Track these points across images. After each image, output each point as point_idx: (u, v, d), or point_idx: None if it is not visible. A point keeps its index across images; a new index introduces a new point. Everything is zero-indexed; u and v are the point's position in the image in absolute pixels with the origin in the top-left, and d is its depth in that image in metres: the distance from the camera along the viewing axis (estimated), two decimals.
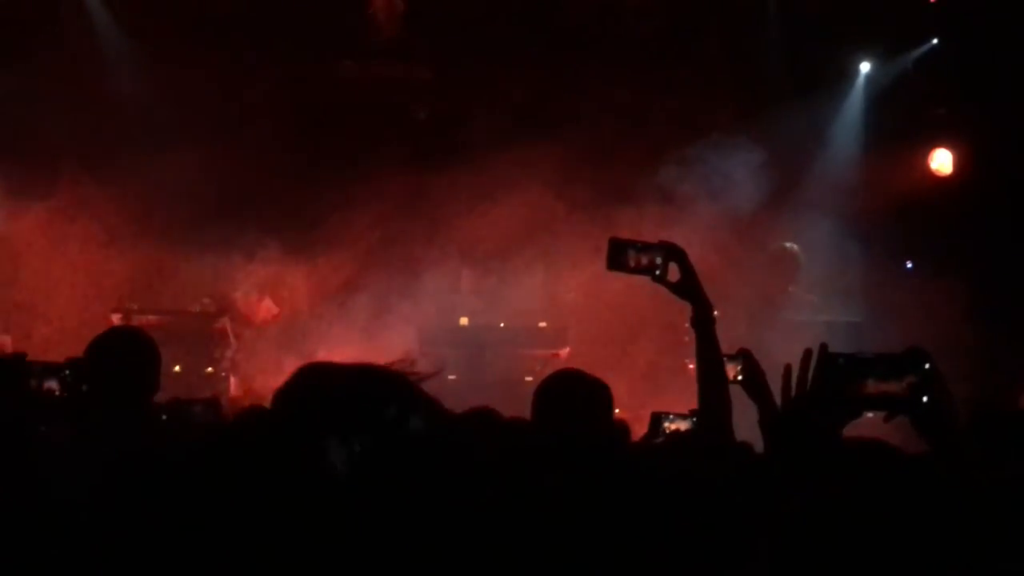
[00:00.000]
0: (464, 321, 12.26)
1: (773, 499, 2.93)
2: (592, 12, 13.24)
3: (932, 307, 11.52)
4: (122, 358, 4.97)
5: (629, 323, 11.70)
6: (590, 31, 13.17)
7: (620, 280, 5.96)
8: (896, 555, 2.57)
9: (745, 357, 5.08)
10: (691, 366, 5.33)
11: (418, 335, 11.49)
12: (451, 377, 10.81)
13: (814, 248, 12.46)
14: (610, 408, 4.83)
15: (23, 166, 11.77)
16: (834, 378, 3.04)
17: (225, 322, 11.84)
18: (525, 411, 4.80)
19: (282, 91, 12.77)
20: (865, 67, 13.30)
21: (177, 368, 11.08)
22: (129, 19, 12.66)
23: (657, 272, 4.96)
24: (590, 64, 12.95)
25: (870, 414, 3.14)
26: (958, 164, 13.14)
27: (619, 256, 5.03)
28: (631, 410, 8.29)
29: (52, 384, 4.37)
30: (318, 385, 1.93)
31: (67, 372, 4.41)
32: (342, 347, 11.23)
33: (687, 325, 5.00)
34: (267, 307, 12.34)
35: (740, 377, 5.04)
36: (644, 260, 4.99)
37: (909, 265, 13.13)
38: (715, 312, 4.93)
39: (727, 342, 4.98)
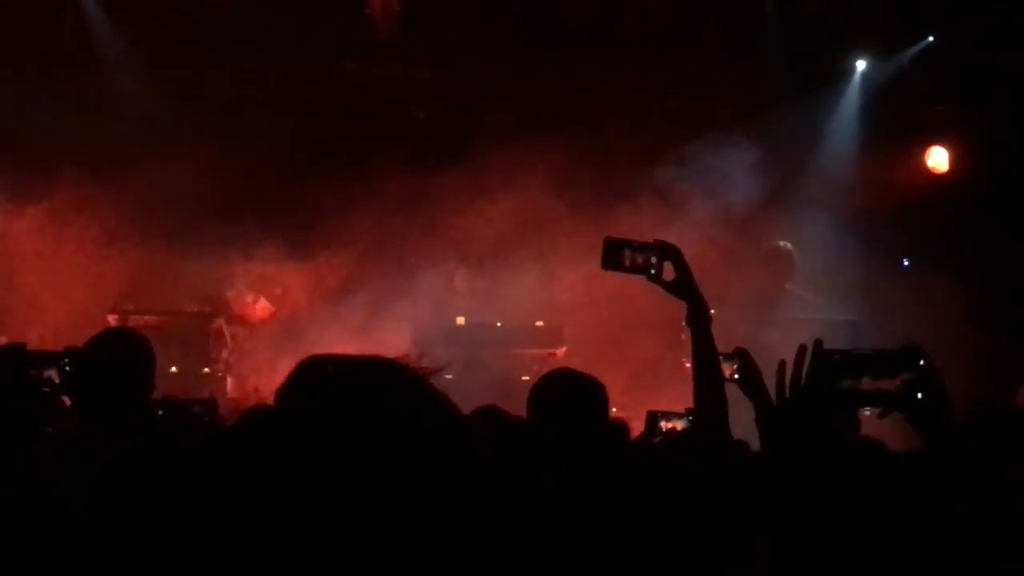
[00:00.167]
0: (461, 321, 12.25)
1: (770, 497, 2.93)
2: (591, 12, 13.24)
3: (930, 304, 11.52)
4: (116, 358, 4.98)
5: (626, 322, 11.69)
6: (589, 31, 13.17)
7: (616, 279, 5.94)
8: (895, 554, 2.56)
9: (741, 355, 5.07)
10: (687, 365, 5.32)
11: (414, 335, 11.47)
12: (448, 376, 10.74)
13: (811, 246, 12.46)
14: (606, 407, 4.82)
15: (20, 167, 11.76)
16: (829, 375, 3.03)
17: (221, 323, 11.84)
18: (522, 410, 4.80)
19: (281, 91, 12.77)
20: (861, 65, 13.31)
21: (174, 369, 11.08)
22: (127, 20, 12.65)
23: (652, 271, 4.94)
24: (589, 64, 12.94)
25: (866, 411, 3.14)
26: (954, 161, 13.16)
27: (614, 256, 5.01)
28: (628, 409, 8.29)
29: (51, 373, 4.39)
30: (322, 380, 1.91)
31: (65, 361, 4.42)
32: (338, 347, 11.14)
33: (683, 324, 4.99)
34: (263, 307, 12.34)
35: (736, 376, 5.04)
36: (639, 260, 4.97)
37: (906, 263, 13.14)
38: (711, 311, 4.92)
39: (724, 341, 4.97)
